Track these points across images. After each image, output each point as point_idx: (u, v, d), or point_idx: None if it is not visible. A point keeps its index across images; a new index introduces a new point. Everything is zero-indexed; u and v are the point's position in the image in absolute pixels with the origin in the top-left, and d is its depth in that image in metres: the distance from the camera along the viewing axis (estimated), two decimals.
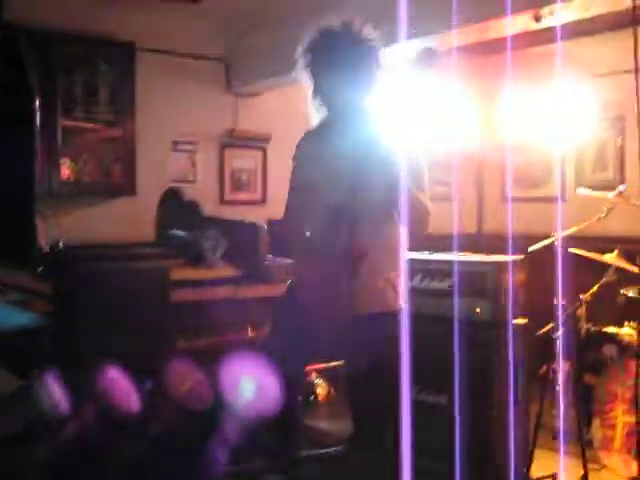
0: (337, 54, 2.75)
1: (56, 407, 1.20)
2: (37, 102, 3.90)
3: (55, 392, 1.20)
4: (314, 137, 2.94)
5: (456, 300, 3.38)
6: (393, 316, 2.77)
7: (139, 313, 2.57)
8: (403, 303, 2.83)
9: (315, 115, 2.91)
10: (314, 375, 4.61)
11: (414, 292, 3.06)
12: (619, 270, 4.01)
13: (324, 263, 2.70)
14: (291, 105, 2.96)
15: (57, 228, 3.95)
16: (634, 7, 2.13)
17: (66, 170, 4.38)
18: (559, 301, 3.53)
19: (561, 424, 3.40)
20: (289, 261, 3.85)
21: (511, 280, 3.48)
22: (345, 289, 2.64)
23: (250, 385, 2.79)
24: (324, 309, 2.66)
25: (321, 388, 4.73)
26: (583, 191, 4.13)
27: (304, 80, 2.86)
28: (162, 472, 2.59)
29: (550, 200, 5.54)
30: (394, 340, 2.75)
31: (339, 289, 2.65)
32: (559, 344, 3.55)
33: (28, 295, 2.59)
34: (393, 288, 2.82)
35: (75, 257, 2.77)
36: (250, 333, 3.74)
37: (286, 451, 3.07)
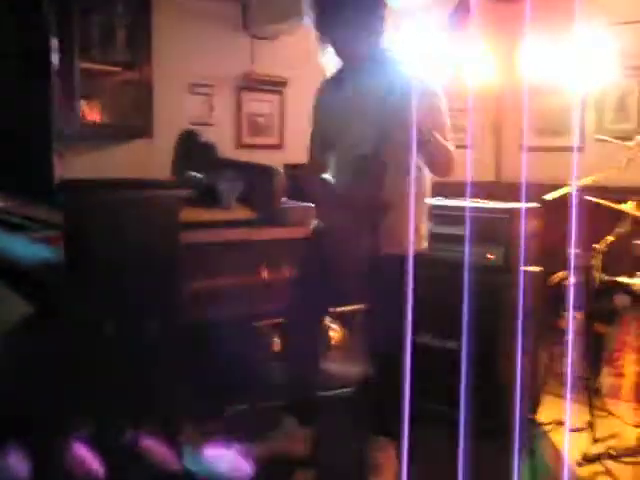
0: (342, 4, 2.74)
1: None
2: (54, 41, 3.90)
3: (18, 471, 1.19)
4: (332, 86, 2.95)
5: (467, 245, 3.39)
6: (416, 258, 2.85)
7: (149, 242, 2.61)
8: (426, 244, 2.92)
9: (328, 64, 2.91)
10: (328, 318, 4.66)
11: (429, 237, 3.09)
12: (634, 221, 4.02)
13: (348, 212, 2.73)
14: (309, 48, 2.94)
15: (74, 169, 3.98)
16: None
17: (83, 112, 4.39)
18: (571, 249, 3.54)
19: (569, 371, 3.44)
20: (305, 205, 3.87)
21: (524, 227, 3.49)
22: (370, 234, 2.68)
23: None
24: (348, 251, 2.71)
25: (335, 332, 4.78)
26: (602, 137, 4.13)
27: (314, 32, 2.85)
28: None
29: (570, 149, 5.49)
30: (415, 281, 2.83)
31: (364, 234, 2.68)
32: (570, 292, 3.57)
33: (51, 230, 2.63)
34: (417, 231, 2.89)
35: (85, 186, 2.78)
36: (265, 275, 3.78)
37: (301, 392, 3.13)
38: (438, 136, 2.73)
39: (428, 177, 2.94)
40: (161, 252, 2.64)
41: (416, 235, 2.91)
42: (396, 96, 2.65)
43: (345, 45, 2.81)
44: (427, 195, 2.98)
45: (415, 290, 2.89)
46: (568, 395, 3.21)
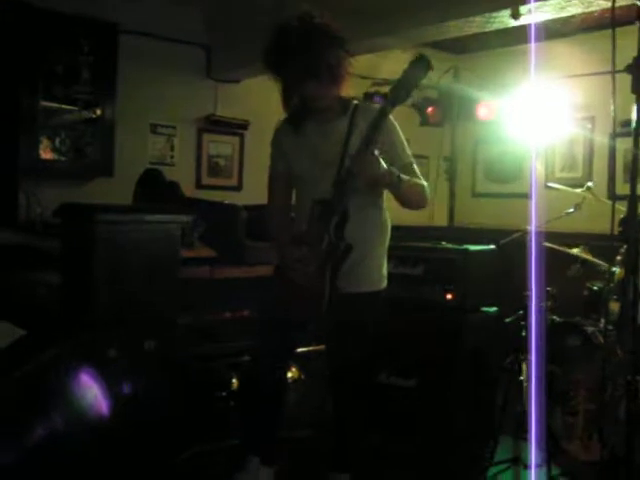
0: (296, 49, 2.71)
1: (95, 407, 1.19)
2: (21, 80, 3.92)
3: (94, 391, 1.19)
4: (292, 126, 2.95)
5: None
6: (377, 295, 2.90)
7: (153, 267, 2.61)
8: (385, 283, 2.96)
9: (287, 106, 2.92)
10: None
11: (388, 277, 3.13)
12: (584, 264, 4.16)
13: (311, 253, 2.76)
14: (270, 92, 2.98)
15: (36, 206, 3.97)
16: (613, 8, 2.23)
17: (44, 149, 4.38)
18: (529, 291, 3.65)
19: (532, 411, 3.51)
20: (266, 244, 3.90)
21: (480, 269, 3.59)
22: (332, 274, 2.71)
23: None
24: (311, 291, 2.73)
25: (291, 373, 4.78)
26: (553, 185, 4.28)
27: (271, 75, 2.86)
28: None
29: (520, 196, 5.66)
30: (376, 318, 2.89)
31: (327, 273, 2.71)
32: (528, 334, 3.66)
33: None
34: (378, 270, 2.93)
35: (86, 210, 2.77)
36: (226, 314, 3.79)
37: (265, 432, 3.11)
38: (405, 177, 2.78)
39: (389, 218, 2.99)
40: (163, 275, 2.65)
41: (378, 274, 2.95)
42: (356, 136, 2.72)
43: (303, 89, 2.81)
44: (388, 235, 3.02)
45: (376, 328, 2.95)
46: (533, 433, 3.28)
